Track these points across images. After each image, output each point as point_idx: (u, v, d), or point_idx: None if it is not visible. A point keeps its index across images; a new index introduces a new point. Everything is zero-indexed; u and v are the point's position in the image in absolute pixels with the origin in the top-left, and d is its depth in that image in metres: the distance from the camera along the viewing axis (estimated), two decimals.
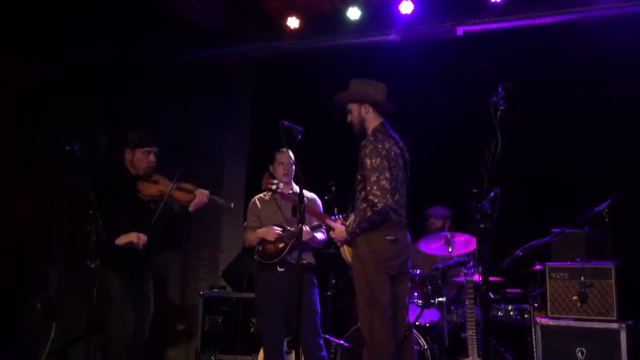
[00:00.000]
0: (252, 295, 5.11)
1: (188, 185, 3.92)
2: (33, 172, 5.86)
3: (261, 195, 4.34)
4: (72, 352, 5.34)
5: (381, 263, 3.42)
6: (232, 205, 4.10)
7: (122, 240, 3.73)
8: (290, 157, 4.15)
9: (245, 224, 4.34)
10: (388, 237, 3.41)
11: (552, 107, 5.21)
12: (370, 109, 3.62)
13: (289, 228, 4.06)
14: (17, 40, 5.55)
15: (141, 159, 3.89)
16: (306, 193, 4.27)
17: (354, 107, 3.66)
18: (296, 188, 4.25)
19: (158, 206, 3.80)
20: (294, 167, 4.16)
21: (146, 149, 3.89)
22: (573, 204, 4.35)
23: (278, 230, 4.11)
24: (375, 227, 3.42)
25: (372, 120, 3.63)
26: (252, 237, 4.20)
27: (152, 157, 3.91)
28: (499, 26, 5.11)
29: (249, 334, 5.07)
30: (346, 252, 3.70)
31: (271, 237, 4.09)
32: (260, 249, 4.16)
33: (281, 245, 4.07)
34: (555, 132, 5.22)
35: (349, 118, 3.70)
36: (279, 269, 4.08)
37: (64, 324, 5.27)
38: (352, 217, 3.70)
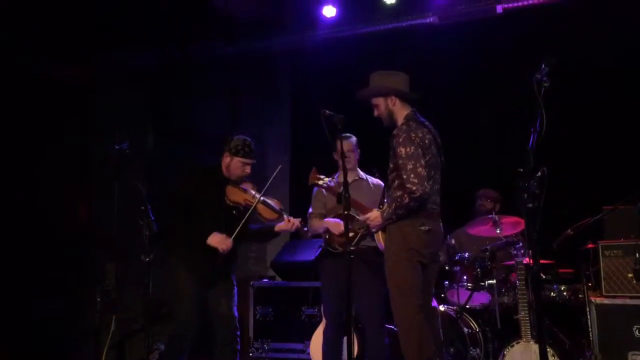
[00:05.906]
0: (301, 284, 5.21)
1: (274, 203, 3.84)
2: (89, 172, 6.07)
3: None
4: (131, 345, 5.52)
5: (414, 251, 3.41)
6: (309, 235, 4.06)
7: (211, 240, 3.70)
8: (352, 143, 4.16)
9: (310, 211, 4.29)
10: (423, 227, 3.40)
11: (600, 84, 5.07)
12: (397, 100, 3.56)
13: (357, 217, 3.94)
14: (67, 44, 5.73)
15: (237, 167, 3.82)
16: (371, 179, 4.27)
17: (379, 101, 3.60)
18: (362, 174, 4.29)
19: (240, 213, 3.76)
20: (356, 153, 4.20)
21: (245, 159, 3.81)
22: (623, 181, 4.22)
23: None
24: (411, 214, 3.40)
25: (401, 110, 3.57)
26: (318, 224, 4.15)
27: (247, 169, 3.84)
28: (539, 1, 5.00)
29: (300, 322, 5.14)
30: (380, 238, 3.68)
31: (336, 232, 4.01)
32: (327, 237, 4.12)
33: (350, 234, 3.92)
34: (604, 110, 5.06)
35: (375, 112, 3.64)
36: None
37: (123, 317, 5.45)
38: (386, 203, 3.67)
